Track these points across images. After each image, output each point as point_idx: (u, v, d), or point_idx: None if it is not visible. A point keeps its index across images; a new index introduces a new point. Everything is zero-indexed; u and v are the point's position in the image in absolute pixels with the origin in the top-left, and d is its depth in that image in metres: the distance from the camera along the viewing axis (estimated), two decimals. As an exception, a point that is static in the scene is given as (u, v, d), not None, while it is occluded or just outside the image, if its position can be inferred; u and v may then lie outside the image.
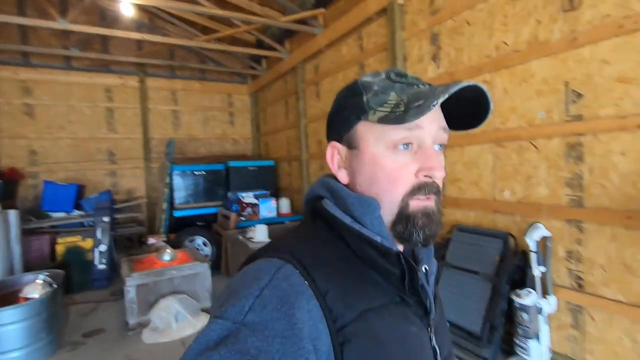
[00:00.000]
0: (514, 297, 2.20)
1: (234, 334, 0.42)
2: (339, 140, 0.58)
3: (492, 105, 0.53)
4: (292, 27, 4.47)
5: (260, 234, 4.01)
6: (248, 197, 5.17)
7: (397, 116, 0.50)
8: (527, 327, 2.14)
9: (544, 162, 2.28)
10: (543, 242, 2.22)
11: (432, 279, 0.61)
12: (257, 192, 5.36)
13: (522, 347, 2.19)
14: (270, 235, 4.02)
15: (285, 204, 5.39)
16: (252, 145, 7.08)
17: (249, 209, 5.09)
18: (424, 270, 0.60)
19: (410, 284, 0.51)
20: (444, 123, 0.55)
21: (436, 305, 0.60)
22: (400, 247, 0.58)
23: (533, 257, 2.17)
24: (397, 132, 0.52)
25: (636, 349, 1.89)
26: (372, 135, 0.54)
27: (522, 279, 2.30)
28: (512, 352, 2.29)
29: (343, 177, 0.58)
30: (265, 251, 0.53)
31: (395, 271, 0.51)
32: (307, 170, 5.15)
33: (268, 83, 6.22)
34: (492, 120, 2.58)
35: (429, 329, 0.57)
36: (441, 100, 0.47)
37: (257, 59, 6.36)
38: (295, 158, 5.47)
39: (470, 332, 2.37)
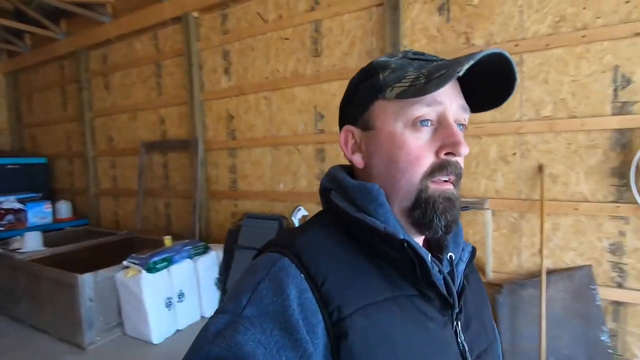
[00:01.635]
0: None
1: (233, 328, 0.42)
2: (353, 123, 0.56)
3: (518, 77, 0.50)
4: (70, 9, 4.01)
5: (31, 243, 3.45)
6: (8, 202, 4.25)
7: (418, 88, 0.47)
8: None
9: (304, 162, 3.14)
10: (304, 219, 3.06)
11: (460, 268, 0.56)
12: (23, 196, 4.46)
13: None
14: (47, 243, 3.53)
15: (64, 208, 4.71)
16: (10, 139, 5.68)
17: (9, 217, 4.19)
18: (447, 259, 0.55)
19: (422, 275, 0.47)
20: (463, 101, 0.52)
21: (467, 296, 0.56)
22: (419, 238, 0.55)
23: (297, 231, 2.98)
24: (416, 108, 0.49)
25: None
26: (389, 114, 0.51)
27: (291, 249, 3.08)
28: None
29: (358, 161, 0.55)
30: (268, 246, 0.54)
31: (404, 260, 0.48)
32: (95, 169, 4.68)
33: (35, 65, 5.18)
34: (269, 129, 3.29)
35: (455, 324, 0.52)
36: (466, 67, 0.44)
37: (17, 33, 5.18)
38: (79, 155, 4.85)
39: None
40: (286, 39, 3.12)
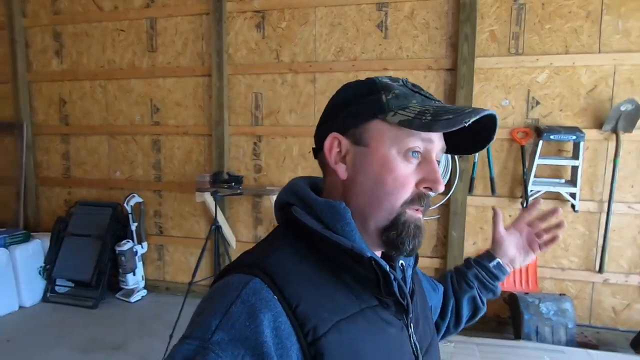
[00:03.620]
0: (117, 247, 3.07)
1: (202, 354, 0.41)
2: (342, 132, 0.55)
3: (494, 137, 0.54)
4: None
5: None
6: None
7: (424, 123, 0.49)
8: (125, 265, 3.08)
9: (140, 152, 3.29)
10: (139, 206, 3.23)
11: (409, 272, 0.61)
12: None
13: (123, 281, 3.12)
14: None
15: None
16: None
17: None
18: (400, 267, 0.59)
19: (385, 287, 0.50)
20: (444, 144, 0.55)
21: (415, 298, 0.60)
22: (378, 252, 0.58)
23: (130, 217, 3.13)
24: (412, 140, 0.51)
25: (188, 261, 3.25)
26: (386, 137, 0.52)
27: (125, 234, 3.22)
28: (119, 289, 3.19)
29: (341, 172, 0.55)
30: (235, 266, 0.52)
31: (369, 276, 0.50)
32: None
33: None
34: (107, 117, 3.32)
35: (409, 327, 0.56)
36: (473, 119, 0.48)
37: None
38: None
39: (83, 282, 3.06)
40: (122, 30, 3.19)
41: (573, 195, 2.46)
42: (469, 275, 0.79)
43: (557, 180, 2.55)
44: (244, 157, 3.07)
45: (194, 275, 2.29)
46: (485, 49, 2.58)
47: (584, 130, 2.40)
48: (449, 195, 2.66)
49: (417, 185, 0.53)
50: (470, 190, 2.66)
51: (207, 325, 0.43)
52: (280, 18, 2.89)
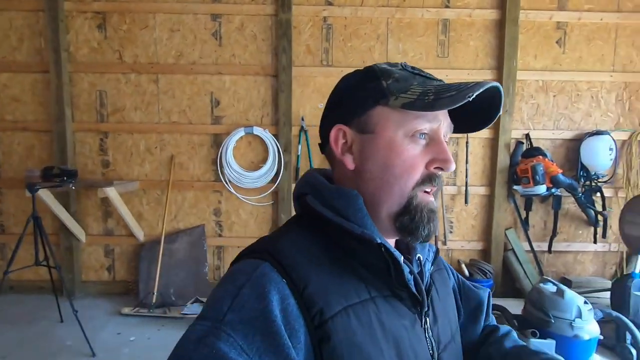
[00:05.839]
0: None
1: (214, 334, 0.42)
2: (346, 124, 0.54)
3: (501, 109, 0.53)
4: None
5: None
6: None
7: (426, 103, 0.49)
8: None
9: (-26, 148, 3.15)
10: (-27, 205, 3.10)
11: (427, 267, 0.59)
12: None
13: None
14: None
15: None
16: None
17: None
18: (417, 260, 0.58)
19: (396, 277, 0.50)
20: (450, 121, 0.55)
21: (433, 294, 0.59)
22: (391, 240, 0.57)
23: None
24: (418, 121, 0.51)
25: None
26: (391, 121, 0.51)
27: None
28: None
29: (349, 162, 0.54)
30: (247, 252, 0.53)
31: (380, 264, 0.49)
32: None
33: None
34: None
35: (424, 321, 0.55)
36: (477, 93, 0.47)
37: None
38: None
39: None
40: (-54, 20, 3.03)
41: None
42: None
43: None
44: (90, 152, 3.16)
45: (9, 265, 2.36)
46: (303, 59, 3.08)
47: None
48: (276, 184, 3.11)
49: (427, 166, 0.53)
50: (296, 179, 3.15)
51: (219, 307, 0.45)
52: (121, 21, 3.05)
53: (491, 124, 0.54)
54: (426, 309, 0.55)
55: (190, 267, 3.12)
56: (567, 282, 3.21)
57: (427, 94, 0.50)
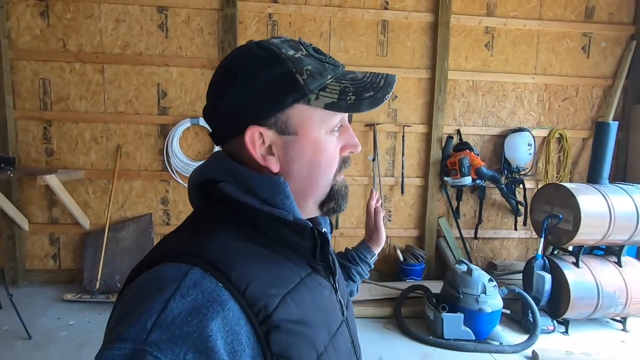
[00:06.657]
0: None
1: (138, 357, 0.36)
2: (261, 124, 0.51)
3: (391, 93, 0.55)
4: None
5: None
6: None
7: (350, 105, 0.50)
8: None
9: None
10: None
11: (329, 238, 0.61)
12: None
13: None
14: None
15: None
16: None
17: None
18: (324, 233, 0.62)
19: (321, 253, 0.52)
20: None
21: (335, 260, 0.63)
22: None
23: None
24: (337, 117, 0.53)
25: (-25, 249, 3.18)
26: (314, 121, 0.52)
27: None
28: None
29: (273, 165, 0.52)
30: (165, 254, 0.46)
31: (307, 245, 0.51)
32: None
33: None
34: None
35: (336, 287, 0.59)
36: (390, 93, 0.52)
37: None
38: None
39: None
40: None
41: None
42: (353, 272, 0.86)
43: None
44: (34, 140, 3.15)
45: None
46: (249, 54, 3.18)
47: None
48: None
49: (341, 151, 0.56)
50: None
51: (141, 324, 0.38)
52: (65, 9, 3.05)
53: (377, 108, 0.54)
54: (337, 276, 0.59)
55: (136, 254, 3.18)
56: (493, 266, 3.52)
57: (346, 94, 0.51)
